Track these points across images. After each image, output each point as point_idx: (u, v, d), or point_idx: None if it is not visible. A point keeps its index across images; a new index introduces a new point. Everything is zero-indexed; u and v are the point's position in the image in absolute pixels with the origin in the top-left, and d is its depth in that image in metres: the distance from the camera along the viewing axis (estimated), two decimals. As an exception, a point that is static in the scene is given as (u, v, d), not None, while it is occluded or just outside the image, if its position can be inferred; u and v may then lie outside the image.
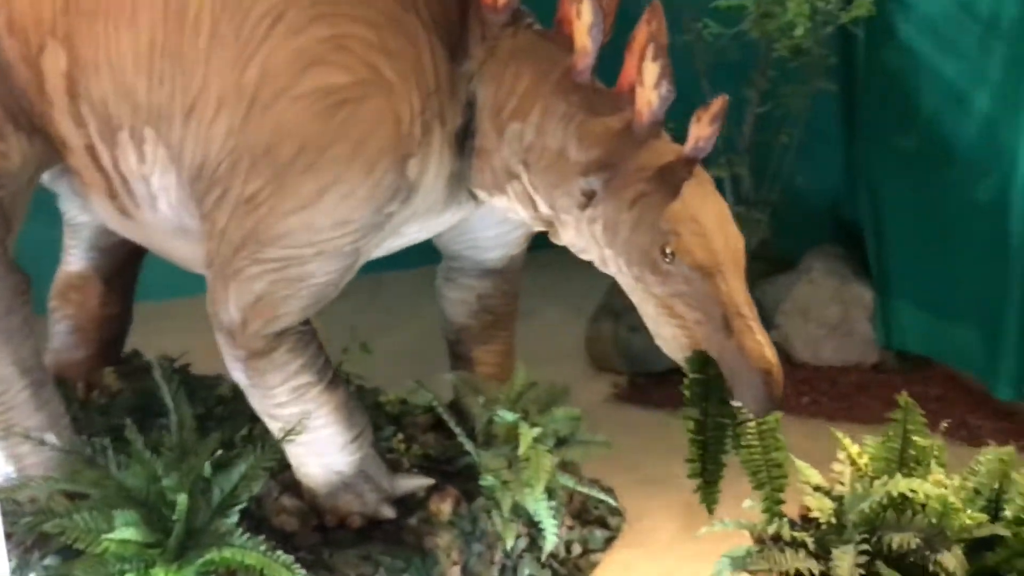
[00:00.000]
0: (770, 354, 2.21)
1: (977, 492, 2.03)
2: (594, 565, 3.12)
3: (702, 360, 2.27)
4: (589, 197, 2.36)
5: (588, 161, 2.35)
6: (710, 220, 2.26)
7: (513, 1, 2.42)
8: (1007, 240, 3.73)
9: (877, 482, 2.03)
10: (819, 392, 4.21)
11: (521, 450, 2.72)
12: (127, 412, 3.29)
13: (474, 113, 2.51)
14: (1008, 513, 2.01)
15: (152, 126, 2.50)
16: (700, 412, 2.30)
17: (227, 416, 3.28)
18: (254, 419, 3.22)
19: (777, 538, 2.15)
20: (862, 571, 1.92)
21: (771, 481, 2.25)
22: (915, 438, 2.13)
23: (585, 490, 2.94)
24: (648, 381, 4.44)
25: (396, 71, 2.36)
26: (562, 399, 3.07)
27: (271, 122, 2.37)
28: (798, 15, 4.08)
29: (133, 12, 2.42)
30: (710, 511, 2.27)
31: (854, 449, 2.23)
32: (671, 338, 2.35)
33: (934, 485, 1.96)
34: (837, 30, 4.24)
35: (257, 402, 2.63)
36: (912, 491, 1.97)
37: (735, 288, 2.25)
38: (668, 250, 2.24)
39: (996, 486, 2.03)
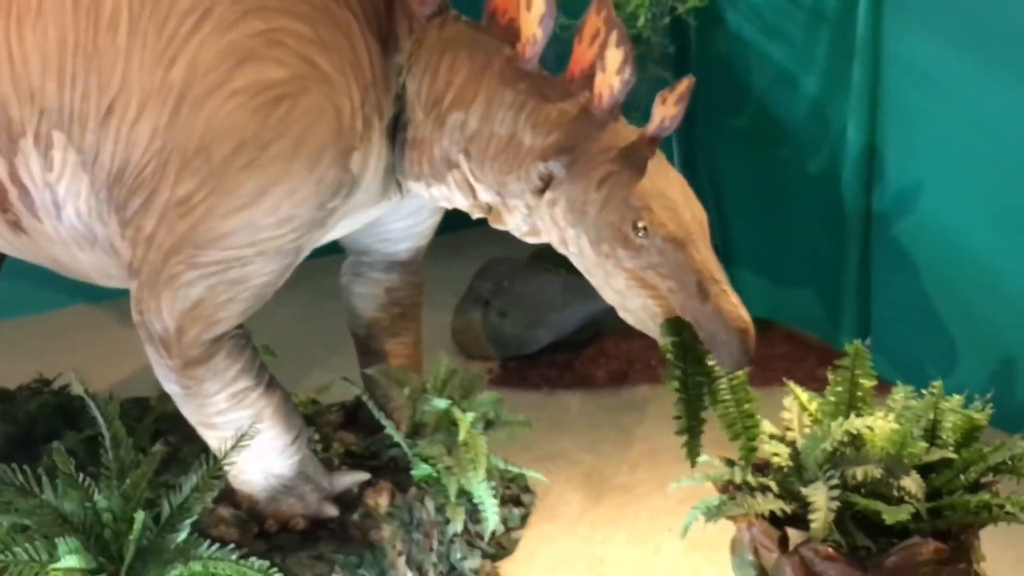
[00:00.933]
0: (745, 314, 2.36)
1: (916, 423, 2.29)
2: (516, 542, 3.21)
3: (676, 325, 2.39)
4: (547, 181, 2.43)
5: (546, 146, 2.41)
6: (676, 194, 2.40)
7: None
8: (841, 207, 4.12)
9: (834, 423, 2.24)
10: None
11: (462, 435, 2.77)
12: (7, 443, 3.09)
13: (404, 106, 2.52)
14: (947, 438, 2.30)
15: (62, 130, 2.35)
16: (682, 371, 2.41)
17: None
18: (156, 433, 3.11)
19: (740, 487, 2.32)
20: (837, 503, 2.12)
21: (746, 431, 2.41)
22: (862, 381, 2.36)
23: (516, 469, 3.03)
24: (520, 364, 4.56)
25: (333, 65, 2.35)
26: (479, 383, 3.15)
27: (203, 120, 2.29)
28: (639, 6, 4.33)
29: (39, 9, 2.27)
30: (692, 464, 2.39)
31: (804, 396, 2.44)
32: (640, 308, 2.45)
33: (884, 421, 2.21)
34: (672, 20, 4.53)
35: (193, 412, 2.54)
36: (868, 428, 2.20)
37: (707, 256, 2.38)
38: (641, 224, 2.34)
39: (931, 416, 2.30)
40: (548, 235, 2.54)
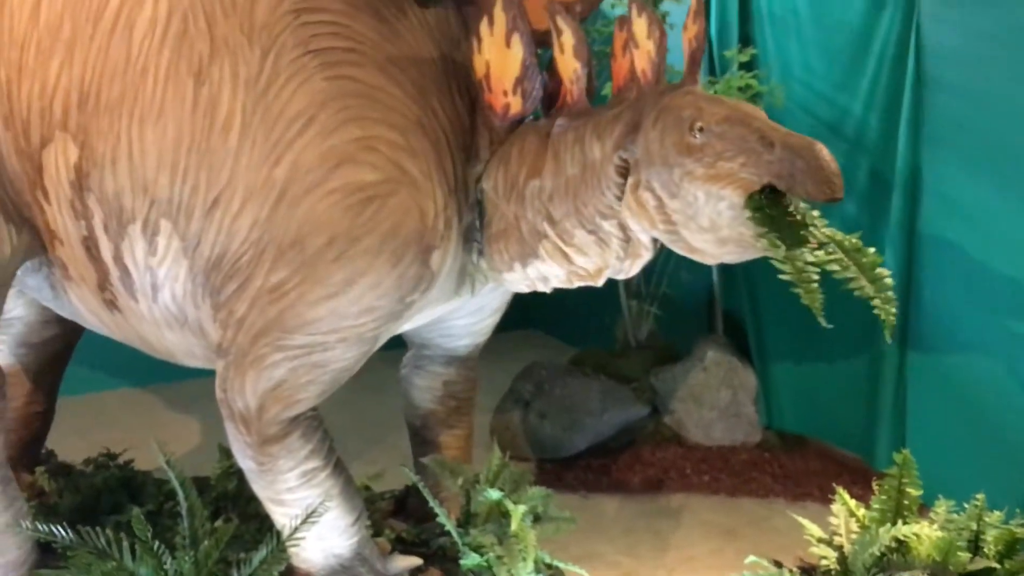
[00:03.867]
0: (814, 140, 2.27)
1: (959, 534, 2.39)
2: (553, 637, 3.26)
3: (759, 200, 2.30)
4: (625, 171, 2.49)
5: (615, 139, 2.49)
6: (717, 96, 2.50)
7: (522, 112, 2.66)
8: (877, 325, 4.25)
9: (882, 529, 2.33)
10: (716, 470, 4.58)
11: (514, 526, 2.87)
12: (71, 514, 3.20)
13: (483, 209, 2.72)
14: (989, 550, 2.39)
15: (169, 219, 2.55)
16: (776, 236, 2.27)
17: (177, 512, 3.25)
18: (216, 512, 3.23)
19: (791, 587, 2.40)
20: (882, 605, 2.21)
21: (877, 285, 2.29)
22: (909, 490, 2.47)
23: (562, 564, 3.11)
24: (557, 466, 4.66)
25: (420, 170, 2.55)
26: (526, 479, 3.26)
27: (301, 215, 2.49)
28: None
29: (161, 108, 2.49)
30: (818, 313, 2.33)
31: (852, 503, 2.54)
32: (727, 207, 2.34)
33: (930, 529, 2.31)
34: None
35: (264, 488, 2.67)
36: (915, 535, 2.30)
37: (761, 118, 2.37)
38: (697, 125, 2.35)
39: (974, 528, 2.40)
40: (644, 230, 2.53)
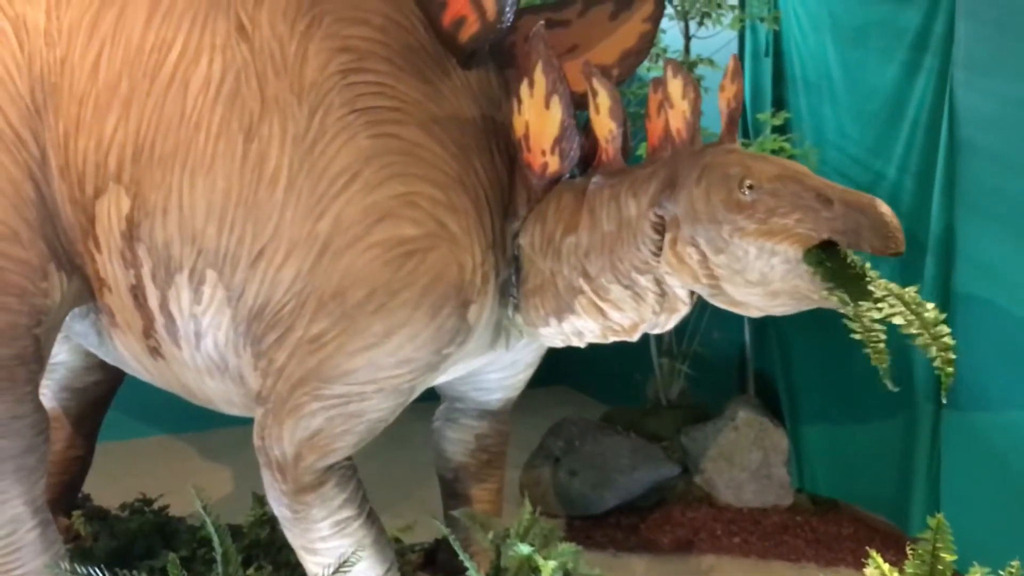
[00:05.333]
0: (870, 196, 2.33)
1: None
2: None
3: (815, 255, 2.34)
4: (661, 228, 2.55)
5: (650, 197, 2.56)
6: (761, 154, 2.55)
7: (559, 171, 2.73)
8: (911, 390, 4.25)
9: (915, 595, 2.32)
10: (747, 532, 4.54)
11: (544, 580, 2.88)
12: (106, 557, 3.25)
13: (519, 264, 2.78)
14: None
15: (215, 268, 2.63)
16: (844, 293, 2.30)
17: (210, 559, 3.28)
18: (248, 559, 3.26)
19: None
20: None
21: (936, 340, 2.29)
22: (943, 555, 2.45)
23: (589, 621, 3.09)
24: (586, 524, 4.65)
25: (460, 226, 2.62)
26: (556, 535, 3.26)
27: (342, 268, 2.56)
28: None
29: (211, 162, 2.59)
30: (885, 373, 2.33)
31: (886, 567, 2.52)
32: (781, 261, 2.38)
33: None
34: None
35: (297, 536, 2.70)
36: (949, 601, 2.28)
37: (817, 180, 2.40)
38: (747, 182, 2.40)
39: (1007, 593, 2.38)
40: (682, 283, 2.58)
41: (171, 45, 2.62)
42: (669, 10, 4.71)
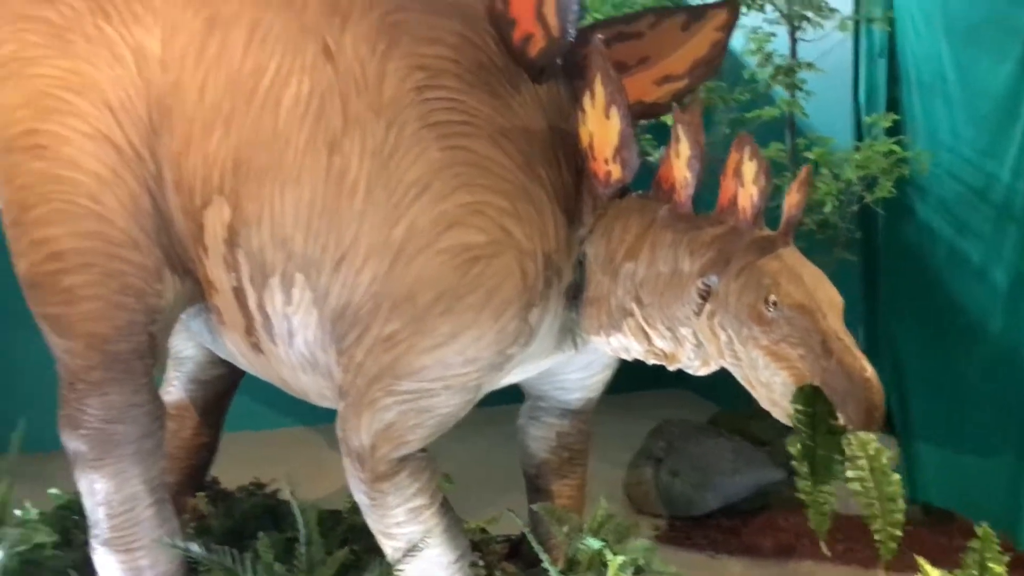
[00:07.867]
0: (868, 367, 2.43)
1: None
2: None
3: (808, 396, 2.46)
4: (705, 296, 2.66)
5: (703, 264, 2.66)
6: (807, 274, 2.59)
7: (622, 179, 2.83)
8: (1024, 403, 4.10)
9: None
10: (853, 540, 4.46)
11: (610, 575, 2.98)
12: (223, 535, 3.55)
13: (584, 270, 2.90)
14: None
15: (303, 272, 2.87)
16: (808, 438, 2.45)
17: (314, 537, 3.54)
18: (344, 542, 3.49)
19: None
20: None
21: (885, 515, 2.44)
22: (991, 565, 2.41)
23: (660, 617, 3.17)
24: (687, 524, 4.69)
25: (524, 233, 2.76)
26: (634, 531, 3.35)
27: (414, 272, 2.74)
28: (827, 194, 4.58)
29: (299, 175, 2.82)
30: (821, 537, 2.45)
31: (935, 573, 2.51)
32: (780, 384, 2.54)
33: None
34: (861, 208, 4.74)
35: (375, 521, 2.91)
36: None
37: (835, 325, 2.49)
38: (771, 299, 2.53)
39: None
40: (712, 353, 2.71)
41: (266, 68, 2.86)
42: (774, 14, 4.70)
